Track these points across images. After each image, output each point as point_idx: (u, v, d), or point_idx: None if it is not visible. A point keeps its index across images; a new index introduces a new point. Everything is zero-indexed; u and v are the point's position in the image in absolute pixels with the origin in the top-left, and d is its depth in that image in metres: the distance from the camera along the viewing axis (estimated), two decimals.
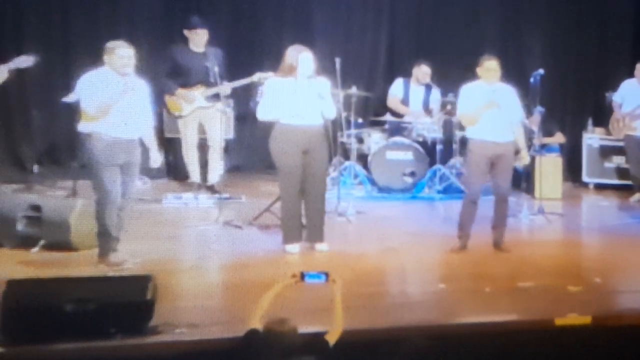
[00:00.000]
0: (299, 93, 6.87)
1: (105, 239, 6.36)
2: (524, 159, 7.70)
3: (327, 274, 4.77)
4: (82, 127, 6.37)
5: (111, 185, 6.27)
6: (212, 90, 8.90)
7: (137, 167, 6.56)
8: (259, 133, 10.62)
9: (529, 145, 9.53)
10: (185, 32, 9.19)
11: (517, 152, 7.49)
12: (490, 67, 7.24)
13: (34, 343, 4.66)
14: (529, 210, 8.73)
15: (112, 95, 6.27)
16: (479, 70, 7.29)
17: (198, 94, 9.08)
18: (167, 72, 9.16)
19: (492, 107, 7.14)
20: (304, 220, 7.08)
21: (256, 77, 8.81)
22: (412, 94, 10.36)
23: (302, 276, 4.74)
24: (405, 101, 10.37)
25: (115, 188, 6.29)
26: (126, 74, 6.35)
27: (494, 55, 7.40)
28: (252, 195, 9.11)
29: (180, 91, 9.10)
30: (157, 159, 6.71)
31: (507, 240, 7.32)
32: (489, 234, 7.32)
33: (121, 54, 6.36)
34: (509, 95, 7.34)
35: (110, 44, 6.44)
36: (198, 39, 9.13)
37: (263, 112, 6.99)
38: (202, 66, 8.88)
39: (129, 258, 6.39)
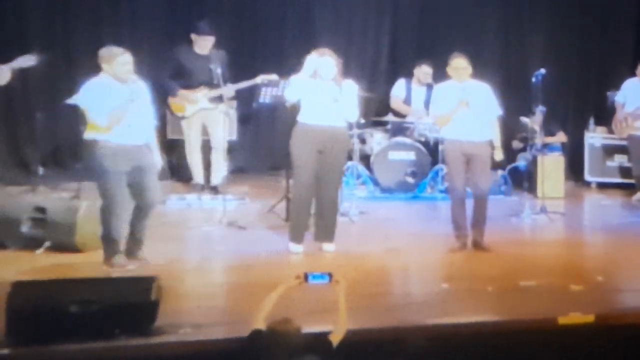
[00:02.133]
0: (320, 94, 6.92)
1: (110, 243, 6.36)
2: (497, 157, 7.46)
3: (330, 275, 4.78)
4: (89, 135, 6.33)
5: (117, 192, 6.25)
6: (215, 92, 8.90)
7: (152, 171, 6.46)
8: (261, 134, 10.72)
9: (531, 145, 9.54)
10: (193, 36, 9.20)
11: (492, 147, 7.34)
12: (458, 65, 7.16)
13: (39, 344, 4.68)
14: (531, 209, 8.72)
15: (121, 105, 6.22)
16: (448, 69, 7.25)
17: (201, 96, 9.09)
18: (170, 73, 9.17)
19: (462, 107, 7.09)
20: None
21: (259, 79, 8.84)
22: (414, 94, 10.36)
23: (306, 277, 4.76)
24: (407, 102, 10.38)
25: (121, 194, 6.27)
26: (130, 80, 6.30)
27: (463, 54, 7.31)
28: (255, 197, 9.13)
29: (183, 92, 9.12)
30: (158, 163, 6.64)
31: (500, 240, 7.34)
32: (490, 234, 7.33)
33: (122, 62, 6.29)
34: (482, 92, 7.24)
35: (107, 52, 6.35)
36: (204, 44, 9.15)
37: (289, 94, 7.13)
38: (206, 68, 8.86)
39: (134, 262, 6.42)
